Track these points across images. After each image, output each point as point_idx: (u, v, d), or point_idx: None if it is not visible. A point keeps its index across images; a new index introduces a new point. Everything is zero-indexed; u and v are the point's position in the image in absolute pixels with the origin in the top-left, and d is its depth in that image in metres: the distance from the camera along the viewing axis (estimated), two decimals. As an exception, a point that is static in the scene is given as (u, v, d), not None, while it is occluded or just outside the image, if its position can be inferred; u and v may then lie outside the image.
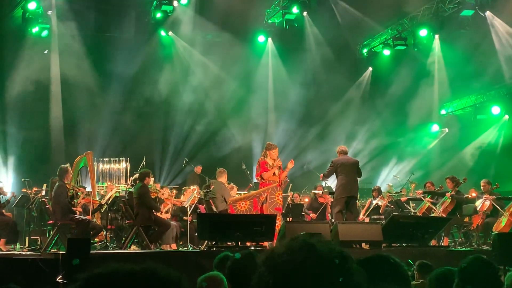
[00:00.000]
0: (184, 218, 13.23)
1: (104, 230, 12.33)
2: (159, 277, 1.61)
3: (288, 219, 13.87)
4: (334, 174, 12.67)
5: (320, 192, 15.79)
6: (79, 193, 11.81)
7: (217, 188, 12.60)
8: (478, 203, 13.69)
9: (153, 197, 12.24)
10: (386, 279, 2.70)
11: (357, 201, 13.66)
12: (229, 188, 13.63)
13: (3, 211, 12.29)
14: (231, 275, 3.86)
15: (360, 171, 12.71)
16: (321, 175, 13.68)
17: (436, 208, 13.51)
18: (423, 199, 14.24)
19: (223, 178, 12.88)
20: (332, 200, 13.88)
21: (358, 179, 12.71)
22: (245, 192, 15.49)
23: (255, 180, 15.09)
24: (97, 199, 12.87)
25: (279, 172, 11.62)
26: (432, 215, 13.45)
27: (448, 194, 13.32)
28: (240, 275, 3.83)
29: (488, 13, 18.91)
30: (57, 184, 11.02)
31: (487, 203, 13.44)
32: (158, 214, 12.27)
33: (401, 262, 2.81)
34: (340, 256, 1.71)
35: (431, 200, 14.06)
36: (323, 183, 17.07)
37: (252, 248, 10.08)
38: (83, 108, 18.94)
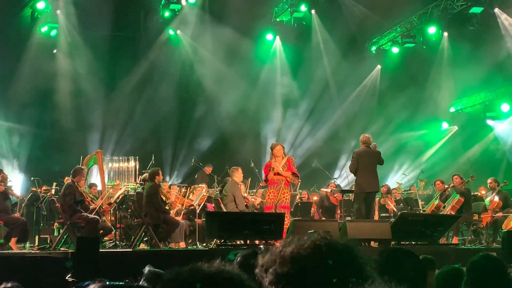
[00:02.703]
0: (192, 217, 13.25)
1: (113, 229, 12.37)
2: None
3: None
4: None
5: (329, 190, 15.74)
6: (90, 197, 11.80)
7: (229, 187, 12.61)
8: (488, 201, 13.69)
9: (163, 199, 12.26)
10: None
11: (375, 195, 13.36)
12: (242, 185, 13.67)
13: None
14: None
15: (381, 159, 12.46)
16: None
17: (445, 205, 13.46)
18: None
19: (236, 177, 12.83)
20: (341, 199, 13.86)
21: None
22: (254, 191, 15.49)
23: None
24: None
25: (282, 171, 11.56)
26: (441, 213, 13.41)
27: (453, 185, 13.26)
28: (247, 273, 3.83)
29: (497, 10, 18.83)
30: (66, 183, 11.07)
31: (496, 199, 13.44)
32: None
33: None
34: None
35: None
36: (333, 181, 17.04)
37: (261, 246, 10.10)
38: (92, 107, 18.99)
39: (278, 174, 11.49)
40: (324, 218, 15.03)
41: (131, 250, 10.82)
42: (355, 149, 13.17)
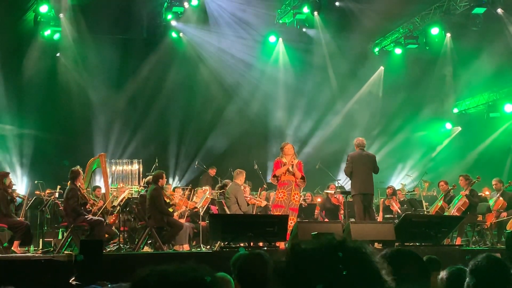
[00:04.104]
0: (196, 220, 13.25)
1: (118, 233, 12.37)
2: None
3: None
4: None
5: (333, 191, 15.72)
6: (92, 200, 11.79)
7: (232, 189, 12.61)
8: (492, 202, 13.65)
9: (167, 201, 12.26)
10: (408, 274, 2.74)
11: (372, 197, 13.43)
12: (246, 187, 13.66)
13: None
14: (240, 275, 3.86)
15: (376, 167, 12.46)
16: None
17: (450, 206, 13.43)
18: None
19: (240, 180, 12.85)
20: (344, 201, 13.82)
21: (374, 175, 12.52)
22: (257, 193, 15.47)
23: (268, 181, 15.07)
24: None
25: (295, 169, 11.52)
26: (445, 214, 13.38)
27: (462, 193, 13.22)
28: (249, 275, 3.83)
29: (500, 10, 18.79)
30: (68, 187, 11.07)
31: (501, 200, 13.41)
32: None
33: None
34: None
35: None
36: (336, 183, 17.02)
37: (265, 248, 10.09)
38: (96, 110, 19.01)
39: (288, 172, 11.46)
40: (327, 220, 14.99)
41: (135, 252, 10.83)
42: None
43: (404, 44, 21.07)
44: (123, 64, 19.29)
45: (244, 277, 3.82)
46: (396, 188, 17.37)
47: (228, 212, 12.26)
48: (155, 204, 11.39)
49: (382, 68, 22.28)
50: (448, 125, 22.42)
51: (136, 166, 17.61)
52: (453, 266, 3.92)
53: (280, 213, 11.22)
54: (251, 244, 10.40)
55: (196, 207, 13.39)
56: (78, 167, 11.44)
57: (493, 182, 13.91)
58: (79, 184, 11.11)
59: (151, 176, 12.55)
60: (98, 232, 10.69)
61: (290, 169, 11.51)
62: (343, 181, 18.83)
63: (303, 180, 11.80)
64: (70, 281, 7.33)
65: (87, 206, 11.27)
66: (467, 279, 3.24)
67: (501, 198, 13.50)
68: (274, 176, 11.68)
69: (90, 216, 10.95)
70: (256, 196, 14.79)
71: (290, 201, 11.41)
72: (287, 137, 20.18)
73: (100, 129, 18.89)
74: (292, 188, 11.47)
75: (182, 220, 12.78)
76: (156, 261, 8.97)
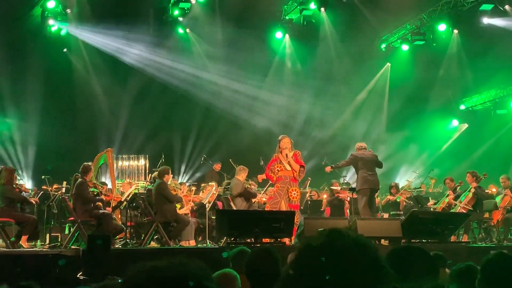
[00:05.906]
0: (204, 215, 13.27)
1: (124, 228, 12.39)
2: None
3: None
4: (354, 168, 12.89)
5: (338, 188, 15.70)
6: (102, 191, 11.83)
7: (233, 185, 12.64)
8: (499, 199, 13.60)
9: (174, 193, 12.28)
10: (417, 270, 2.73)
11: (376, 195, 13.73)
12: (252, 185, 13.66)
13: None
14: (249, 271, 3.86)
15: (380, 162, 13.05)
16: (328, 167, 13.42)
17: (458, 202, 13.38)
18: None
19: (241, 176, 12.86)
20: (351, 197, 13.81)
21: (379, 171, 12.92)
22: (263, 189, 15.47)
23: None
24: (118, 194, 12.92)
25: (292, 161, 11.39)
26: (452, 211, 13.35)
27: (474, 184, 13.16)
28: (258, 271, 3.83)
29: (507, 6, 18.72)
30: (78, 180, 11.10)
31: (507, 198, 13.36)
32: (179, 211, 12.33)
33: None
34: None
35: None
36: (341, 180, 17.01)
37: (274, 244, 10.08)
38: (102, 105, 19.04)
39: (284, 168, 11.38)
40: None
41: (141, 248, 10.85)
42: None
43: (411, 40, 21.00)
44: (129, 59, 19.30)
45: (254, 272, 3.82)
46: (402, 185, 17.35)
47: (234, 208, 12.27)
48: (164, 196, 11.41)
49: (388, 64, 22.21)
50: (455, 122, 22.37)
51: (142, 162, 17.64)
52: (462, 263, 3.92)
53: (272, 204, 11.14)
54: (257, 240, 10.39)
55: (202, 202, 13.42)
56: (90, 163, 11.50)
57: (501, 180, 13.85)
58: (88, 179, 11.18)
59: (157, 172, 12.56)
60: (106, 226, 10.72)
61: (285, 163, 11.34)
62: (349, 177, 18.83)
63: (303, 169, 11.59)
64: (78, 276, 7.35)
65: (102, 196, 11.41)
66: (479, 275, 3.23)
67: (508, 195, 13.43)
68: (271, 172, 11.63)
69: (100, 210, 11.03)
70: (262, 191, 14.79)
71: (288, 198, 11.24)
72: (293, 133, 20.17)
73: (107, 125, 18.92)
74: (287, 181, 11.28)
75: (188, 215, 12.79)
76: (163, 257, 8.97)
